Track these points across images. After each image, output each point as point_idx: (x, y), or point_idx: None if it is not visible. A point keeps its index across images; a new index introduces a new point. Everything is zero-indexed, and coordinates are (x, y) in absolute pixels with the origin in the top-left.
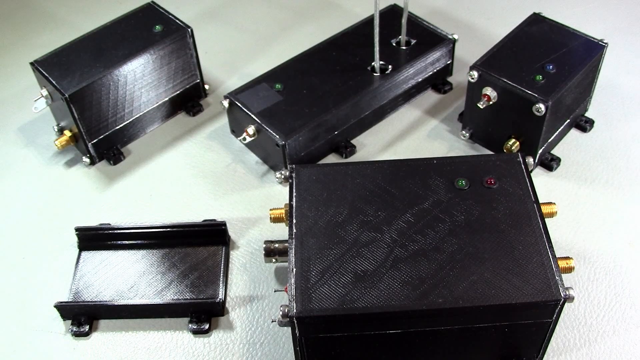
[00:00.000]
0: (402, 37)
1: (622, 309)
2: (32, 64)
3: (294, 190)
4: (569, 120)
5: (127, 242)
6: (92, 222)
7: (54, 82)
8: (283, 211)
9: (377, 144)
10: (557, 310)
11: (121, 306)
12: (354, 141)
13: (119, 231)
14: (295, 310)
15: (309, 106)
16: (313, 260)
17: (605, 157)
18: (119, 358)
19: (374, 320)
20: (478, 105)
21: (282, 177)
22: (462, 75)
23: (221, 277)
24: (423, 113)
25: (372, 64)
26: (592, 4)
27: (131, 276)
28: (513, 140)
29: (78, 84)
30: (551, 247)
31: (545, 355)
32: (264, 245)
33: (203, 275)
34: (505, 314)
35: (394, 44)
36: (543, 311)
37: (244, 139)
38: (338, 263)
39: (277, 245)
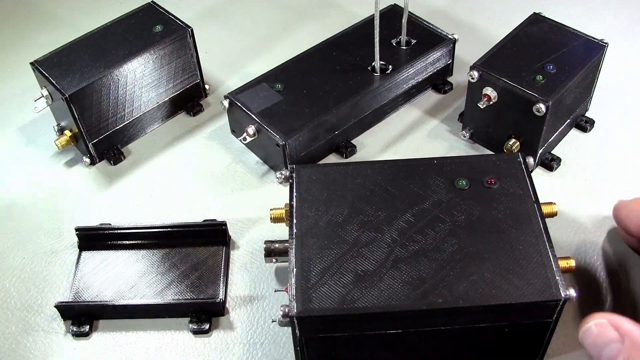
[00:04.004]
0: (402, 37)
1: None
2: (32, 64)
3: (294, 190)
4: (569, 120)
5: (127, 242)
6: (92, 222)
7: (54, 82)
8: (283, 211)
9: (377, 144)
10: (557, 310)
11: (121, 306)
12: (354, 141)
13: (119, 231)
14: (295, 310)
15: (309, 106)
16: (313, 260)
17: (605, 157)
18: (119, 358)
19: (374, 320)
20: (478, 105)
21: (282, 177)
22: (462, 75)
23: (221, 277)
24: (423, 113)
25: (372, 64)
26: (592, 4)
27: (131, 276)
28: (513, 140)
29: (78, 84)
30: (551, 247)
31: (545, 355)
32: (264, 246)
33: (203, 275)
34: (505, 314)
35: (394, 44)
36: (543, 311)
37: (244, 139)
38: (338, 263)
39: (277, 245)
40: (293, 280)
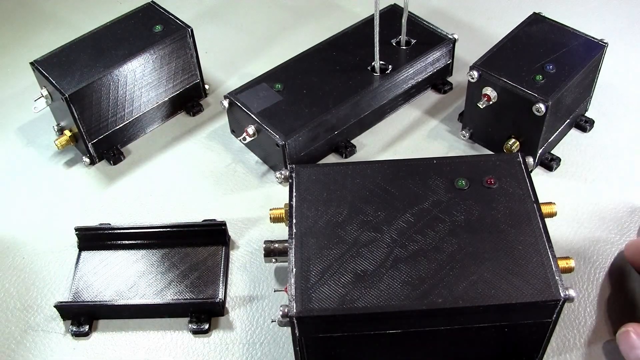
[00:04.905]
0: (402, 37)
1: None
2: (32, 64)
3: (294, 190)
4: (569, 120)
5: (127, 242)
6: (92, 222)
7: (54, 82)
8: (283, 211)
9: (377, 144)
10: (557, 310)
11: (121, 306)
12: (354, 141)
13: (119, 231)
14: (295, 310)
15: (309, 106)
16: (313, 260)
17: (605, 157)
18: (119, 358)
19: (374, 320)
20: (478, 105)
21: (282, 177)
22: (462, 75)
23: (221, 277)
24: (423, 113)
25: (372, 64)
26: (592, 4)
27: (131, 276)
28: (513, 140)
29: (78, 84)
30: (551, 247)
31: (545, 355)
32: (264, 245)
33: (203, 275)
34: (505, 314)
35: (394, 44)
36: (543, 311)
37: (244, 139)
38: (338, 263)
39: (277, 245)
40: (292, 280)
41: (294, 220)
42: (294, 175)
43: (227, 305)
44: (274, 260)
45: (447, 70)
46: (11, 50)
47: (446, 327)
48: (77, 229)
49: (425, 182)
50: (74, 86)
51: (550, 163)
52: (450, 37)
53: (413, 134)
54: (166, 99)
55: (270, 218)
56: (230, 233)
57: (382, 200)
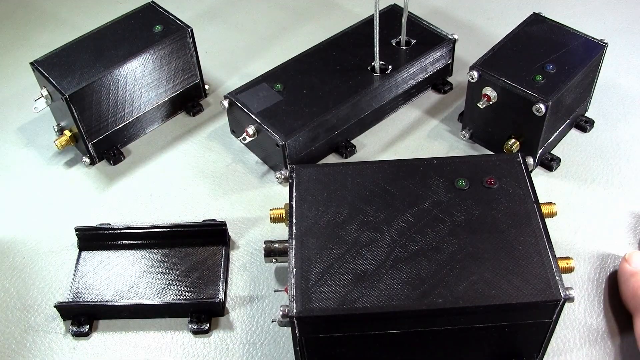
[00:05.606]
0: (402, 37)
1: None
2: (32, 64)
3: (294, 190)
4: (569, 120)
5: (127, 242)
6: (92, 222)
7: (54, 82)
8: (283, 211)
9: (377, 144)
10: (557, 311)
11: (121, 306)
12: (354, 141)
13: (119, 231)
14: (295, 310)
15: (309, 106)
16: (313, 260)
17: (605, 157)
18: (119, 358)
19: (374, 320)
20: (478, 105)
21: (282, 177)
22: (462, 75)
23: (221, 277)
24: (423, 113)
25: (372, 64)
26: (592, 4)
27: (131, 276)
28: (513, 140)
29: (78, 84)
30: (551, 247)
31: (545, 355)
32: (264, 246)
33: (203, 275)
34: (505, 314)
35: (394, 44)
36: (543, 311)
37: (244, 139)
38: (338, 263)
39: (277, 245)
40: (293, 280)
41: (294, 221)
42: (294, 175)
43: (227, 305)
44: (274, 260)
45: (447, 70)
46: (11, 50)
47: (446, 327)
48: (77, 229)
49: (425, 182)
50: (74, 86)
51: (550, 163)
52: (450, 37)
53: (413, 134)
54: (166, 99)
55: (270, 218)
56: (230, 233)
57: (382, 200)
